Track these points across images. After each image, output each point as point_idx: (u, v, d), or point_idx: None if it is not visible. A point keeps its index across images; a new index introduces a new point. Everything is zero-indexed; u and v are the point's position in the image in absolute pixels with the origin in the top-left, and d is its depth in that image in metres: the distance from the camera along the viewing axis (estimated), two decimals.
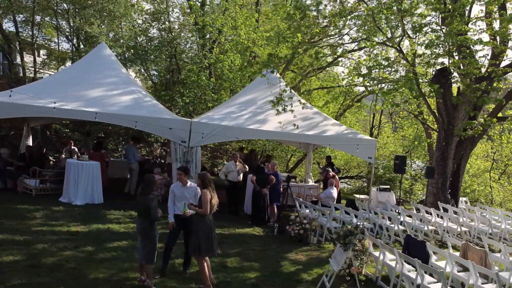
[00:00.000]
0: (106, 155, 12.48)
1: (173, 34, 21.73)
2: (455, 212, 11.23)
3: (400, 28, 12.95)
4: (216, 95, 19.74)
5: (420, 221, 10.17)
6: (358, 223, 6.38)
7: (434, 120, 14.27)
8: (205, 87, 19.25)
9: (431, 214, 10.76)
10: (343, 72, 13.93)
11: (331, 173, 12.17)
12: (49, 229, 8.04)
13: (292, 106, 12.00)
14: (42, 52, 24.66)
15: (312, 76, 19.70)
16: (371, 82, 12.59)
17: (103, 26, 18.46)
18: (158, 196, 11.74)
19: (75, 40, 21.74)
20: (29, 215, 8.92)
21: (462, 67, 10.96)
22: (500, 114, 13.31)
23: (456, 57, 11.26)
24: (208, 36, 20.06)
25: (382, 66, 12.24)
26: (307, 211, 10.31)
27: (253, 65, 19.13)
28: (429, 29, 11.50)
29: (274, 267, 7.22)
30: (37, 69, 21.52)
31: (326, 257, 8.07)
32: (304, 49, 13.79)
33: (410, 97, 13.98)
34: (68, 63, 21.90)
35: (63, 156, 15.30)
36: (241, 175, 11.90)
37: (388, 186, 14.54)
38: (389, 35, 12.74)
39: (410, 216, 10.50)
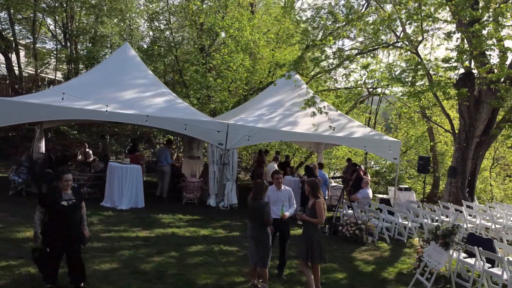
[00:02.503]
0: (141, 157, 12.26)
1: (173, 33, 21.57)
2: (483, 210, 11.82)
3: (420, 33, 13.54)
4: (223, 96, 19.78)
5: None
6: (455, 223, 6.70)
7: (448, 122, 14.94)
8: (213, 87, 19.24)
9: (461, 212, 11.30)
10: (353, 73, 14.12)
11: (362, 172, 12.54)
12: (118, 235, 7.93)
13: (325, 108, 12.30)
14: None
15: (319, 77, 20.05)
16: (399, 84, 12.95)
17: (113, 26, 18.01)
18: (194, 199, 11.77)
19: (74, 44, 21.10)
20: None
21: (489, 73, 11.51)
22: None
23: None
24: (214, 37, 19.99)
25: (409, 70, 12.71)
26: (350, 211, 10.59)
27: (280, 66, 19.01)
28: (456, 35, 12.04)
29: (351, 267, 7.44)
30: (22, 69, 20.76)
31: (389, 256, 8.41)
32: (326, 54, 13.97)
33: (421, 100, 14.59)
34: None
35: (79, 158, 14.97)
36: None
37: (408, 186, 15.08)
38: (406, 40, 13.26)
39: (446, 216, 10.97)
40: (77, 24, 21.07)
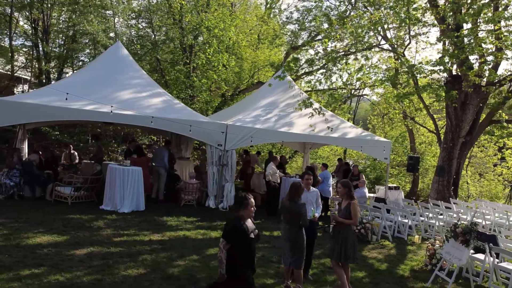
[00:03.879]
0: (148, 160, 12.00)
1: (155, 33, 21.22)
2: (470, 207, 12.38)
3: (407, 36, 14.01)
4: (207, 96, 19.70)
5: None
6: (473, 221, 7.00)
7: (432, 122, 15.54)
8: (198, 88, 19.10)
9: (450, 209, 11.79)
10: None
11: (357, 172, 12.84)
12: (131, 239, 7.76)
13: (320, 109, 12.51)
14: None
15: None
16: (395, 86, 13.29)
17: (99, 23, 17.48)
18: (193, 201, 11.67)
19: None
20: (92, 224, 8.49)
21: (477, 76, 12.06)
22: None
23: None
24: (197, 36, 19.81)
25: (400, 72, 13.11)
26: None
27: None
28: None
29: (367, 266, 7.62)
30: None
31: (397, 254, 8.68)
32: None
33: (410, 102, 15.10)
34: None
35: (64, 162, 14.45)
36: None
37: (397, 185, 15.55)
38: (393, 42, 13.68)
39: (441, 214, 11.40)
40: (54, 21, 20.32)
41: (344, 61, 13.31)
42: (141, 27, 21.23)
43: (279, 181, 11.85)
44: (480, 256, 7.30)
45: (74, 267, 5.99)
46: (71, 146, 15.07)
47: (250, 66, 21.04)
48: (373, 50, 14.68)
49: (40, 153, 11.89)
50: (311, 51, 21.45)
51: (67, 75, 21.07)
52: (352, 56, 14.09)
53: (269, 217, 11.06)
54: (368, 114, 24.16)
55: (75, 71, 13.26)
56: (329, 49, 13.05)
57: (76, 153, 15.11)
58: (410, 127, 18.52)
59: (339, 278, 5.86)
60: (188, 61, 19.76)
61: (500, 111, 12.81)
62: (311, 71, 17.96)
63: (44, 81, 20.99)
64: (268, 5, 24.71)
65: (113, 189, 10.06)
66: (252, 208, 4.32)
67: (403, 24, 12.87)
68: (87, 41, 19.07)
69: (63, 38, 21.54)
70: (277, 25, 20.24)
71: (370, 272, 7.20)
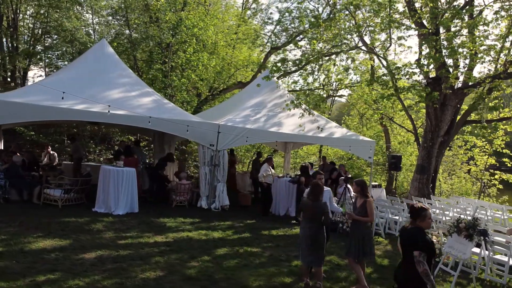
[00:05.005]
0: (138, 161, 11.75)
1: (131, 31, 20.77)
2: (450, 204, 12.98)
3: (388, 39, 14.49)
4: (188, 96, 19.53)
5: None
6: (475, 217, 7.34)
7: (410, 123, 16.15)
8: (178, 87, 18.90)
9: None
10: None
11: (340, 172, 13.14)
12: (136, 241, 7.64)
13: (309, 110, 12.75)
14: None
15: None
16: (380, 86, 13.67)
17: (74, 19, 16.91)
18: (184, 202, 11.58)
19: None
20: (90, 227, 8.28)
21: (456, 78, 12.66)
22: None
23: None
24: (177, 35, 19.57)
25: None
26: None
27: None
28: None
29: (369, 261, 7.82)
30: None
31: (393, 250, 8.99)
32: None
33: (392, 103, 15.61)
34: None
35: (44, 161, 13.94)
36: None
37: (378, 183, 16.03)
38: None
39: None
40: (23, 16, 19.50)
41: (328, 62, 13.59)
42: (116, 23, 20.73)
43: (272, 182, 11.95)
44: (475, 249, 7.70)
45: (89, 271, 5.84)
46: (49, 146, 14.56)
47: (228, 66, 21.01)
48: (355, 51, 15.00)
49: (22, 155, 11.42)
50: (296, 52, 21.71)
51: (34, 73, 20.34)
52: (336, 57, 14.37)
53: (263, 217, 11.14)
54: (342, 114, 24.73)
55: (60, 69, 12.72)
56: (316, 48, 13.28)
57: (55, 154, 14.63)
58: (388, 127, 19.12)
59: (357, 274, 6.03)
60: (166, 60, 19.51)
61: (481, 112, 13.51)
62: (290, 71, 18.11)
63: (8, 79, 20.12)
64: (245, 5, 24.77)
65: (107, 190, 9.81)
66: (430, 220, 4.23)
67: (384, 27, 13.28)
68: (63, 38, 18.34)
69: (30, 34, 20.72)
70: (257, 25, 20.32)
71: (376, 268, 7.43)
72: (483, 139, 18.49)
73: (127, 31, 20.15)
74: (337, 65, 13.50)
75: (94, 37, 17.98)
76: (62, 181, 10.23)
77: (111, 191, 9.77)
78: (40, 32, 20.52)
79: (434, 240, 8.10)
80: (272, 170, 12.00)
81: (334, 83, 15.91)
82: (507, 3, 12.07)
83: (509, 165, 18.05)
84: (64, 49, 16.31)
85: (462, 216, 10.83)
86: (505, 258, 7.31)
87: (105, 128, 18.88)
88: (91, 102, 9.72)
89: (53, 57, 19.25)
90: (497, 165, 18.83)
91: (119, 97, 11.03)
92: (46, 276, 5.53)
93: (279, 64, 13.51)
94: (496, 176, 18.45)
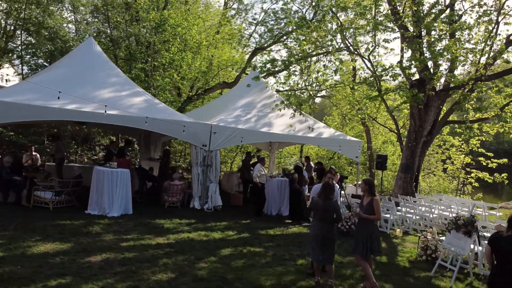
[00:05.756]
0: (130, 162, 11.53)
1: (111, 29, 20.39)
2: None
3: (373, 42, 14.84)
4: (171, 96, 19.35)
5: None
6: (471, 214, 7.62)
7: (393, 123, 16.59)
8: (162, 87, 18.70)
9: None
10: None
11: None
12: (138, 243, 7.55)
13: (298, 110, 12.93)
14: None
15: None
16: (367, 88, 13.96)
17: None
18: (177, 203, 11.50)
19: None
20: (88, 230, 8.12)
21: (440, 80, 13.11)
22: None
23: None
24: (162, 34, 19.35)
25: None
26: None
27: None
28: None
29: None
30: None
31: (388, 247, 9.22)
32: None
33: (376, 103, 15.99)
34: None
35: (27, 162, 13.51)
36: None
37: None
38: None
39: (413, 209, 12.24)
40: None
41: (318, 63, 13.81)
42: (97, 20, 20.29)
43: (265, 182, 12.01)
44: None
45: (99, 275, 5.74)
46: (32, 147, 14.11)
47: (211, 66, 20.94)
48: (342, 53, 15.28)
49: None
50: (282, 52, 21.86)
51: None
52: (325, 58, 14.58)
53: (256, 217, 11.19)
54: (323, 114, 25.07)
55: (47, 68, 12.26)
56: (305, 49, 13.44)
57: (38, 155, 14.19)
58: (370, 127, 19.55)
59: (365, 272, 6.17)
60: (149, 59, 19.27)
61: (464, 113, 14.02)
62: (273, 72, 18.23)
63: None
64: (227, 5, 24.75)
65: (101, 192, 9.63)
66: None
67: (371, 29, 13.58)
68: (44, 36, 17.76)
69: (2, 31, 19.95)
70: (240, 25, 20.34)
71: (377, 265, 7.61)
72: (460, 139, 19.21)
73: (108, 30, 19.76)
74: (326, 65, 13.65)
75: (76, 35, 17.51)
76: (53, 183, 9.94)
77: (105, 192, 9.59)
78: (13, 28, 19.80)
79: (429, 237, 8.43)
80: (265, 170, 12.06)
81: (315, 84, 15.94)
82: (485, 8, 12.63)
83: (484, 164, 18.84)
84: (48, 47, 15.74)
85: (446, 213, 11.26)
86: None
87: (86, 128, 18.45)
88: (83, 102, 9.52)
89: (28, 55, 18.54)
90: (473, 163, 19.55)
91: (110, 96, 10.82)
92: (57, 281, 5.40)
93: (268, 65, 13.61)
94: (473, 175, 19.15)
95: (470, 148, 19.19)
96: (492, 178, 18.82)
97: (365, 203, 6.29)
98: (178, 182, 11.59)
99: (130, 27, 18.96)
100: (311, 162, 16.15)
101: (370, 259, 6.31)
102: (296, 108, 12.80)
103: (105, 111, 8.87)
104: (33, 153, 13.91)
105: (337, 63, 13.85)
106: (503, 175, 18.78)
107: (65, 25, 16.19)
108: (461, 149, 19.97)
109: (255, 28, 20.98)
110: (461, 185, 20.41)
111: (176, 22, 18.78)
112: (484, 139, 16.56)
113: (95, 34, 18.77)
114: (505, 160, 18.54)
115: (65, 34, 15.69)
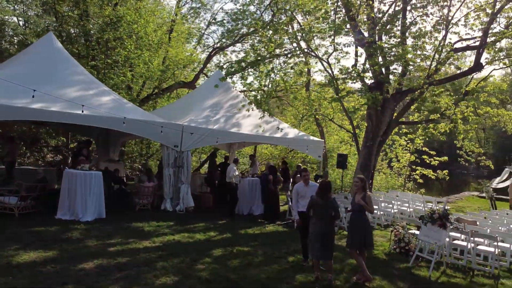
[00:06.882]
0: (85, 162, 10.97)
1: (60, 23, 19.31)
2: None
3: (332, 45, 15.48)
4: (128, 95, 18.77)
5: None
6: (445, 208, 8.23)
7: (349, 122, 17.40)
8: (119, 85, 18.11)
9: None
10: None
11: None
12: (125, 247, 7.35)
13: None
14: None
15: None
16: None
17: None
18: (148, 205, 11.27)
19: None
20: (67, 236, 7.76)
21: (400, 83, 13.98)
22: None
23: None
24: (117, 31, 18.68)
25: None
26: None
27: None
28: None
29: (344, 253, 8.38)
30: None
31: None
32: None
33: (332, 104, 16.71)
34: None
35: None
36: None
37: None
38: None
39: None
40: None
41: (285, 64, 14.14)
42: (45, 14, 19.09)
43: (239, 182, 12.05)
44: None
45: (101, 282, 5.55)
46: None
47: (164, 66, 20.55)
48: (306, 55, 15.72)
49: None
50: (241, 54, 21.88)
51: None
52: (289, 59, 14.93)
53: (230, 217, 11.22)
54: (277, 114, 25.53)
55: (3, 63, 11.21)
56: (271, 50, 13.70)
57: None
58: (323, 127, 20.31)
59: (360, 265, 6.51)
60: (103, 56, 18.54)
61: (420, 115, 15.07)
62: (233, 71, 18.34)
63: None
64: (179, 3, 24.36)
65: (73, 196, 9.17)
66: None
67: (333, 33, 14.16)
68: None
69: None
70: (198, 25, 20.18)
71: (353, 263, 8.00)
72: (406, 138, 20.55)
73: (56, 25, 18.67)
74: (293, 67, 14.03)
75: (25, 29, 16.36)
76: (20, 187, 9.30)
77: (78, 196, 9.16)
78: None
79: (401, 231, 9.02)
80: (238, 171, 12.14)
81: (270, 85, 16.24)
82: (433, 17, 13.72)
83: (427, 161, 20.35)
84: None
85: (404, 208, 12.07)
86: (462, 243, 8.39)
87: (34, 128, 17.36)
88: (48, 101, 9.00)
89: None
90: (418, 161, 20.98)
91: (76, 95, 10.29)
92: None
93: (235, 65, 13.69)
94: (418, 172, 20.57)
95: (415, 147, 20.60)
96: (435, 174, 20.42)
97: (357, 200, 6.63)
98: (148, 183, 11.33)
99: (79, 23, 18.09)
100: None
101: (363, 252, 6.67)
102: (265, 109, 13.01)
103: (82, 111, 8.47)
104: None
105: (302, 64, 14.27)
106: (444, 171, 20.45)
107: (13, 17, 15.01)
108: (406, 148, 21.36)
109: (206, 27, 20.88)
110: (407, 182, 21.81)
111: (132, 18, 18.22)
112: (441, 139, 17.87)
113: (45, 29, 17.64)
114: (446, 158, 20.14)
115: (17, 27, 14.61)
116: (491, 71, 45.15)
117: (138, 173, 18.93)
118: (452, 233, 8.39)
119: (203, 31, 21.27)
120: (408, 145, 21.13)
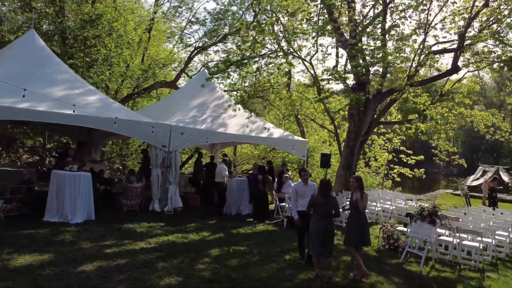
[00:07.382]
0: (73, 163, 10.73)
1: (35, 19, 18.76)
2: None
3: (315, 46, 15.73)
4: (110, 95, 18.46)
5: None
6: (434, 206, 8.50)
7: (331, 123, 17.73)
8: (98, 85, 17.76)
9: None
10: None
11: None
12: (122, 249, 7.28)
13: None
14: None
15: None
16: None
17: None
18: (135, 206, 11.14)
19: None
20: (59, 239, 7.59)
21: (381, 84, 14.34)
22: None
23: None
24: (96, 29, 18.30)
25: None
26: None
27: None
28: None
29: (338, 252, 8.57)
30: None
31: None
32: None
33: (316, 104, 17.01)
34: None
35: None
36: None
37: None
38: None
39: None
40: None
41: (272, 64, 14.28)
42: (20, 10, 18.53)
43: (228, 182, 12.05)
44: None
45: (105, 284, 5.49)
46: None
47: (145, 64, 20.31)
48: (283, 56, 15.88)
49: None
50: (223, 54, 21.82)
51: None
52: (276, 59, 15.06)
53: (218, 217, 11.21)
54: (261, 114, 25.65)
55: None
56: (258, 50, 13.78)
57: None
58: (304, 127, 20.60)
59: (357, 261, 6.69)
60: (81, 54, 18.14)
61: (402, 114, 15.49)
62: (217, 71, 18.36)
63: None
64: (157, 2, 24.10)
65: (62, 198, 8.97)
66: None
67: (317, 35, 14.39)
68: None
69: None
70: (179, 24, 20.03)
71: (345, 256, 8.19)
72: (384, 138, 21.08)
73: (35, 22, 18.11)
74: (279, 67, 14.17)
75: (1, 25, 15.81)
76: (5, 190, 9.00)
77: (66, 198, 8.96)
78: None
79: (390, 228, 9.29)
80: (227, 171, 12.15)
81: (253, 85, 16.34)
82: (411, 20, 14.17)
83: (404, 160, 20.93)
84: None
85: (386, 206, 12.38)
86: (448, 239, 8.73)
87: (10, 128, 16.81)
88: (35, 100, 8.77)
89: None
90: (396, 160, 21.56)
91: (63, 95, 10.02)
92: None
93: (220, 65, 13.71)
94: (395, 170, 21.14)
95: (393, 146, 21.16)
96: (412, 173, 21.04)
97: (354, 198, 6.81)
98: (137, 184, 11.19)
99: (56, 20, 17.61)
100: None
101: (360, 249, 6.85)
102: (251, 109, 13.09)
103: (74, 111, 8.29)
104: None
105: (285, 65, 14.43)
106: (421, 170, 21.10)
107: None
108: (384, 147, 21.89)
109: (185, 25, 20.76)
110: (385, 180, 22.36)
111: (112, 16, 17.91)
112: (414, 139, 18.42)
113: (21, 26, 17.12)
114: (422, 157, 20.75)
115: None
116: (465, 73, 46.86)
117: (118, 174, 18.64)
118: (438, 229, 8.73)
119: (183, 30, 21.08)
120: (386, 145, 21.66)
